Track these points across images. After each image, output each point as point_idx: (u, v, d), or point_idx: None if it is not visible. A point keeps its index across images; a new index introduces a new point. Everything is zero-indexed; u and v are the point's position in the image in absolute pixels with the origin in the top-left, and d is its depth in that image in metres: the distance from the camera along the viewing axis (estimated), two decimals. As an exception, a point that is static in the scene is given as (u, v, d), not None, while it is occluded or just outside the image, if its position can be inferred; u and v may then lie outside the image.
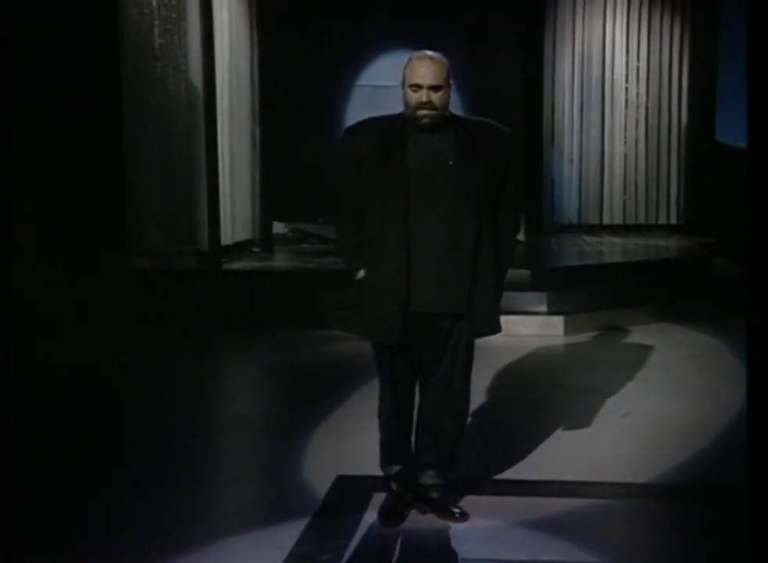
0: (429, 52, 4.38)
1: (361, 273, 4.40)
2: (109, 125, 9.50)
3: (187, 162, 10.66)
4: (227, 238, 11.43)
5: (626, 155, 14.50)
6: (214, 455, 6.04)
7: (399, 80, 4.44)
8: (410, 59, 4.38)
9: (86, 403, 7.11)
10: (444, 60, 4.35)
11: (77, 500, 5.02)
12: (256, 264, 11.44)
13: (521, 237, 12.93)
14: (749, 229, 2.31)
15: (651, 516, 4.86)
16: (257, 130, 12.26)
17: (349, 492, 4.97)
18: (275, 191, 12.45)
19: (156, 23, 10.27)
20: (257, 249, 12.33)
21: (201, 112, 10.67)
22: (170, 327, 9.20)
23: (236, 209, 11.86)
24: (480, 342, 4.59)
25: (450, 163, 4.34)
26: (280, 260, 11.92)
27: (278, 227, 13.15)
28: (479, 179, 4.35)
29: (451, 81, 4.38)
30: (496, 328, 4.53)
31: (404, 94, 4.36)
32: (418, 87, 4.27)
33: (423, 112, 4.28)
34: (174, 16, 10.48)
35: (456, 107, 4.70)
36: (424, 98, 4.26)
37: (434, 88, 4.27)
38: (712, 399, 6.98)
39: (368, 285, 4.39)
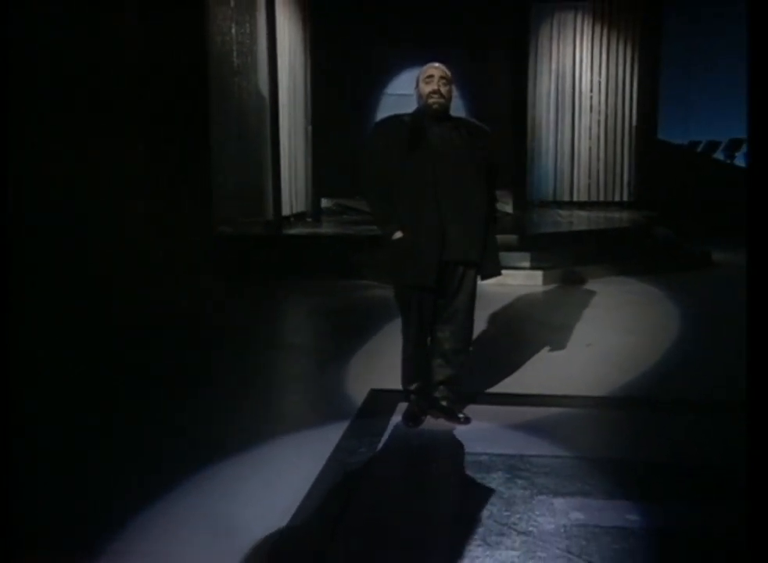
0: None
1: (398, 234, 4.33)
2: (199, 125, 9.51)
3: (257, 152, 10.65)
4: (286, 210, 11.42)
5: (590, 148, 14.44)
6: (276, 373, 6.04)
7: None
8: (423, 68, 4.44)
9: (175, 331, 7.17)
10: (448, 70, 4.42)
11: (167, 391, 5.09)
12: (308, 230, 11.40)
13: (510, 210, 13.03)
14: (749, 221, 2.17)
15: (608, 420, 4.85)
16: (309, 128, 12.24)
17: (380, 401, 4.95)
18: (323, 174, 12.45)
19: (234, 47, 10.23)
20: (309, 219, 12.31)
21: (267, 114, 10.65)
22: (243, 277, 9.18)
23: (293, 188, 11.84)
24: (479, 289, 4.55)
25: (459, 144, 4.36)
26: (326, 227, 11.87)
27: (325, 202, 13.12)
28: (478, 159, 4.39)
29: (453, 86, 4.44)
30: (499, 271, 4.52)
31: (419, 89, 4.40)
32: (431, 78, 4.33)
33: (434, 99, 4.31)
34: (248, 41, 10.45)
35: (460, 111, 4.70)
36: (435, 87, 4.30)
37: (443, 80, 4.32)
38: (653, 334, 6.94)
39: (408, 244, 4.30)
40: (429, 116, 4.36)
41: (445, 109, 4.37)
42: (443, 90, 4.31)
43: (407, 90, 5.11)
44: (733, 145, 16.40)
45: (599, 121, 14.40)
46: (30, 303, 6.50)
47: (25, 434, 4.49)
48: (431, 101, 4.31)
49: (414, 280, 4.36)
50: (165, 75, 9.15)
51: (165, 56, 9.11)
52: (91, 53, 7.91)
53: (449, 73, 4.38)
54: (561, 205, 14.32)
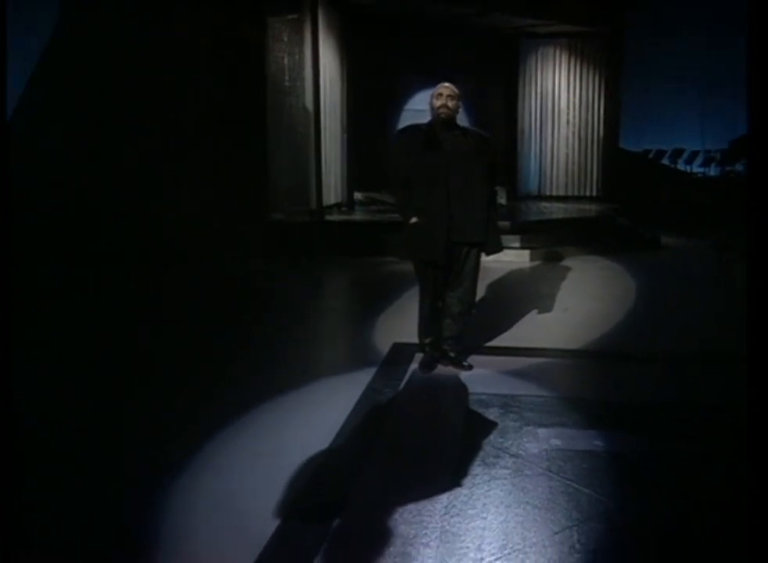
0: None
1: (414, 219, 4.30)
2: (258, 134, 9.49)
3: (303, 155, 10.61)
4: (327, 201, 11.36)
5: (566, 154, 14.25)
6: (317, 330, 6.02)
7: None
8: (436, 86, 4.40)
9: (235, 299, 7.19)
10: (456, 88, 4.38)
11: (218, 351, 5.08)
12: (343, 217, 11.34)
13: (503, 201, 12.94)
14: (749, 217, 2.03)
15: (582, 368, 4.84)
16: (345, 136, 12.18)
17: (401, 352, 4.94)
18: (355, 172, 12.43)
19: (286, 72, 10.18)
20: (344, 209, 12.25)
21: (311, 125, 10.59)
22: (292, 255, 9.15)
23: (332, 184, 11.78)
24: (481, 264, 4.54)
25: (465, 147, 4.33)
26: (358, 215, 11.80)
27: (357, 195, 13.07)
28: (482, 159, 4.36)
29: (460, 102, 4.38)
30: (501, 248, 4.54)
31: (431, 103, 4.36)
32: (440, 95, 4.30)
33: (442, 111, 4.29)
34: (297, 69, 10.40)
35: (465, 122, 4.68)
36: (444, 101, 4.29)
37: (450, 97, 4.29)
38: (616, 301, 6.87)
39: (421, 227, 4.28)
40: (440, 124, 4.33)
41: (452, 118, 4.34)
42: (450, 104, 4.29)
43: (423, 106, 5.08)
44: (676, 153, 16.32)
45: (573, 132, 14.25)
46: (115, 270, 6.61)
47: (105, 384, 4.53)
48: (440, 111, 4.30)
49: (427, 256, 4.35)
50: (233, 95, 9.17)
51: (233, 80, 9.14)
52: (183, 80, 8.21)
53: (456, 91, 4.35)
54: (544, 198, 14.24)
